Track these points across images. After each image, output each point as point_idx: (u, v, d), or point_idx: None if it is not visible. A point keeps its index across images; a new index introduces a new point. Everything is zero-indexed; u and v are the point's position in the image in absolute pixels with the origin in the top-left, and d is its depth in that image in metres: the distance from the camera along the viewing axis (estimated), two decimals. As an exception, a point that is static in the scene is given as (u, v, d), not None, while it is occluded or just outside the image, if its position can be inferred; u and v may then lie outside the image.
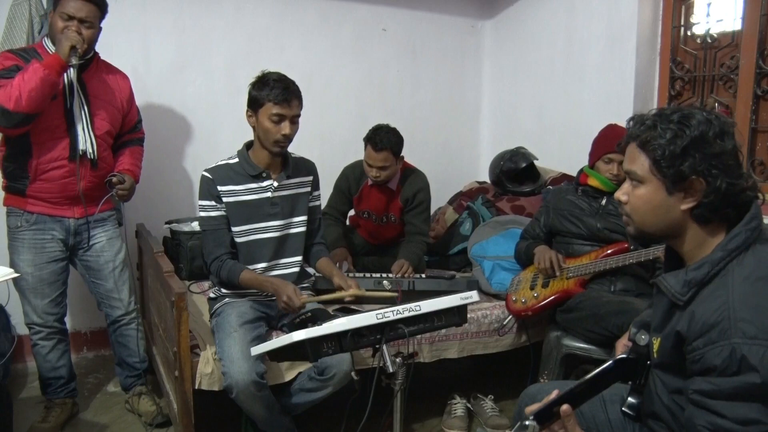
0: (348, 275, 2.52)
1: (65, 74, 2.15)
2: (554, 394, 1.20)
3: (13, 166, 2.24)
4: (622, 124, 2.50)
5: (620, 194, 1.27)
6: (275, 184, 2.17)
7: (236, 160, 2.17)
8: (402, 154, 2.79)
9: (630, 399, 1.35)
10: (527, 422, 1.13)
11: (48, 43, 2.23)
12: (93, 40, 2.22)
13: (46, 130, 2.18)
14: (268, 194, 2.16)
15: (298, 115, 2.09)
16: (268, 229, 2.18)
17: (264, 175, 2.16)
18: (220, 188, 2.12)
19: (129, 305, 2.47)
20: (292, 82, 2.08)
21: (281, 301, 2.02)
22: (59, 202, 2.28)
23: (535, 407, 1.18)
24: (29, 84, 2.02)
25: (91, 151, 2.25)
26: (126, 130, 2.47)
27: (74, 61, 2.09)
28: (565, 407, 1.16)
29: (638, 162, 1.21)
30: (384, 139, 2.67)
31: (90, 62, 2.28)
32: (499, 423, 2.42)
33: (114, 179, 2.32)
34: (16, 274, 1.78)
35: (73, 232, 2.33)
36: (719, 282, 1.13)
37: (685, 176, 1.14)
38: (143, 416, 2.47)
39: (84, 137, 2.24)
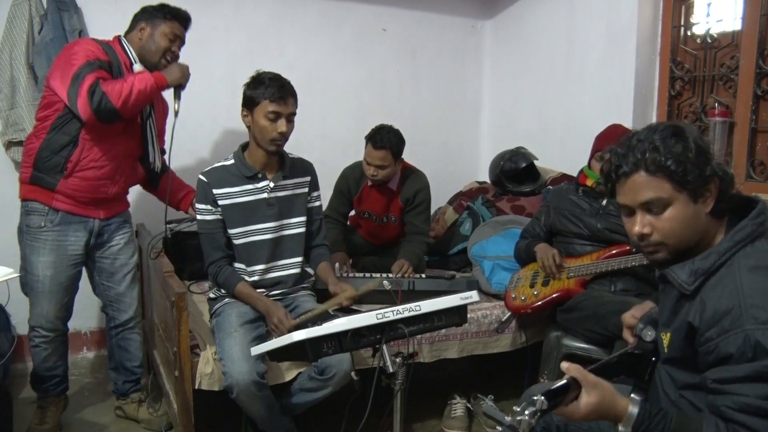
0: (347, 276, 2.53)
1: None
2: (559, 382, 1.19)
3: (52, 156, 2.14)
4: (622, 124, 2.52)
5: (641, 229, 1.20)
6: (271, 184, 2.16)
7: (232, 161, 2.16)
8: (402, 157, 2.79)
9: (633, 396, 1.35)
10: (536, 397, 1.13)
11: (129, 48, 2.24)
12: None
13: (108, 132, 2.17)
14: (265, 195, 2.16)
15: (294, 114, 2.10)
16: (265, 231, 2.18)
17: (260, 175, 2.15)
18: (215, 191, 2.12)
19: (136, 310, 2.45)
20: (287, 81, 2.09)
21: (271, 323, 2.04)
22: (87, 202, 2.23)
23: (543, 391, 1.17)
24: (141, 95, 2.10)
25: (154, 161, 2.39)
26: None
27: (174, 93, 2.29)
28: (565, 364, 1.16)
29: (654, 187, 1.17)
30: (385, 139, 2.67)
31: None
32: (499, 423, 2.42)
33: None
34: (16, 274, 1.77)
35: (96, 233, 2.29)
36: (725, 271, 1.15)
37: (707, 179, 1.17)
38: (142, 423, 2.45)
39: (152, 150, 2.37)
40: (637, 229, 1.21)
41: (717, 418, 1.10)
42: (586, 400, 1.13)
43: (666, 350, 1.26)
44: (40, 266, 2.19)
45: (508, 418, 1.11)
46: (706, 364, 1.14)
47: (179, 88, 2.29)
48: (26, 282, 2.23)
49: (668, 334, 1.24)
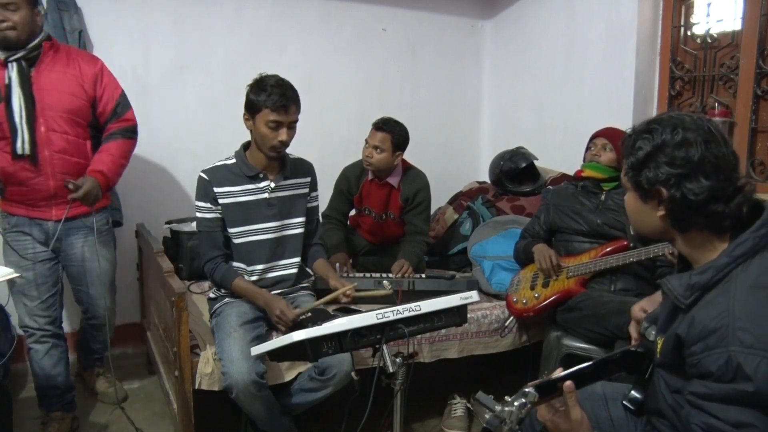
0: (346, 276, 2.53)
1: (5, 72, 2.08)
2: (558, 371, 1.22)
3: None
4: (622, 124, 2.53)
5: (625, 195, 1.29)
6: (272, 185, 2.16)
7: (233, 160, 2.16)
8: (402, 153, 2.80)
9: (633, 393, 1.35)
10: (527, 389, 1.14)
11: None
12: (27, 24, 2.08)
13: (1, 136, 2.12)
14: (266, 195, 2.16)
15: (296, 121, 2.08)
16: (265, 231, 2.18)
17: (261, 176, 2.15)
18: (216, 189, 2.11)
19: (110, 309, 2.43)
20: (290, 87, 2.06)
21: (274, 315, 2.05)
22: (34, 203, 2.21)
23: (537, 381, 1.19)
24: None
25: (25, 148, 2.10)
26: (106, 118, 2.29)
27: None
28: (568, 383, 1.17)
29: (623, 168, 1.23)
30: (389, 123, 2.72)
31: (38, 54, 2.13)
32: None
33: (70, 186, 2.13)
34: (16, 274, 1.77)
35: (53, 235, 2.23)
36: (722, 288, 1.11)
37: (643, 186, 1.16)
38: (100, 395, 2.60)
39: (22, 137, 2.10)
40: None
41: None
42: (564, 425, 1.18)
43: (658, 355, 1.25)
44: (8, 266, 2.15)
45: (498, 407, 1.13)
46: (690, 375, 1.13)
47: None
48: (8, 283, 2.22)
49: (662, 340, 1.24)
